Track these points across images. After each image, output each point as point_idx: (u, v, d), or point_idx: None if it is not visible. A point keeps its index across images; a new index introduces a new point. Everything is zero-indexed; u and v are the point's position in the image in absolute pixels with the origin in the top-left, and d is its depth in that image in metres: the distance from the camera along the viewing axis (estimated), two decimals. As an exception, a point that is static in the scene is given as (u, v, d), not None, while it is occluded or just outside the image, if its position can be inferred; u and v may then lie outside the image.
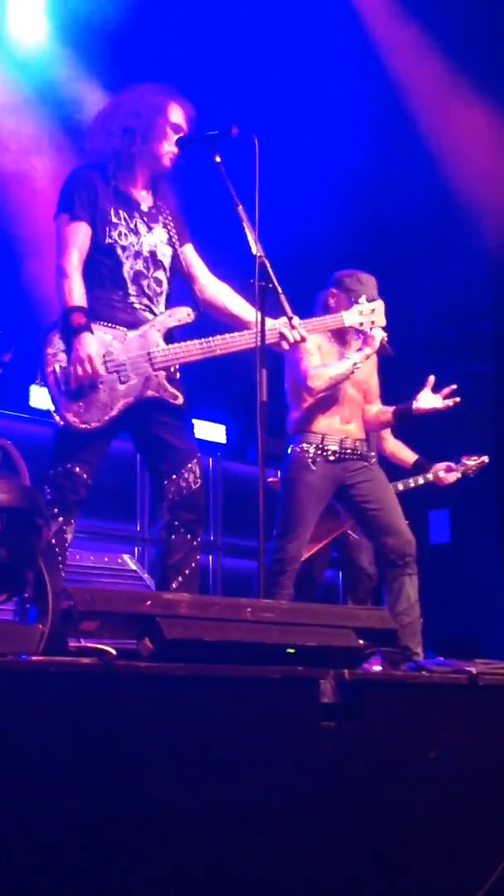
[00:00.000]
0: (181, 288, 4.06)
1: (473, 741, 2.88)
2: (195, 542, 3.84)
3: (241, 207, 3.73)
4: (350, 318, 4.29)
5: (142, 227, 3.93)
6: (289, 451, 4.75)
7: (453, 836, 2.78)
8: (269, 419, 3.57)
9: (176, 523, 3.81)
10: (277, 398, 4.53)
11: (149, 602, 2.63)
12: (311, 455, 4.67)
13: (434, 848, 2.74)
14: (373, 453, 4.90)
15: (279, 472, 4.90)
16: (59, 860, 2.10)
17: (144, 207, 3.98)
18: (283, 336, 3.87)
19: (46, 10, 6.26)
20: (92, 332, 3.71)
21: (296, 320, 3.88)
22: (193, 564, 3.82)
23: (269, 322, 3.73)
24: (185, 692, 2.36)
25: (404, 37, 6.71)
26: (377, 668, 3.71)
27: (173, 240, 3.99)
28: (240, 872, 2.37)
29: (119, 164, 3.92)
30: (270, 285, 3.69)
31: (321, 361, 4.67)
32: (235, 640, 2.64)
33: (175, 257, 4.00)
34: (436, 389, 4.85)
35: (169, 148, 3.94)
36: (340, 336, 4.75)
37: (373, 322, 4.33)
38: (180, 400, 3.83)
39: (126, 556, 4.59)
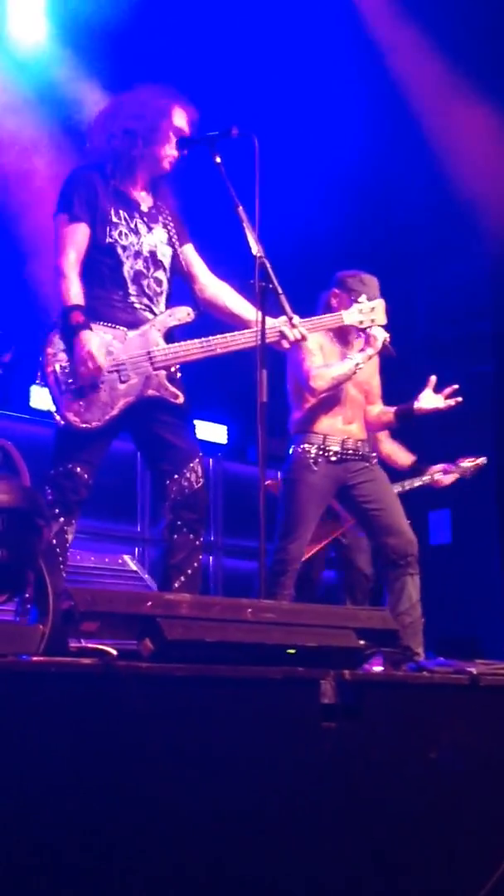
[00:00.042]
0: (181, 288, 4.06)
1: (474, 741, 2.88)
2: (197, 542, 3.84)
3: (241, 208, 3.73)
4: (350, 316, 4.28)
5: (142, 227, 3.93)
6: (290, 451, 4.75)
7: (454, 836, 2.78)
8: (269, 419, 3.57)
9: (178, 523, 3.81)
10: (279, 398, 4.53)
11: (149, 603, 2.63)
12: (312, 455, 4.67)
13: (434, 848, 2.74)
14: (374, 454, 4.90)
15: (279, 474, 4.90)
16: (59, 860, 2.10)
17: (144, 208, 3.98)
18: (283, 335, 3.87)
19: (46, 10, 6.26)
20: (91, 330, 3.72)
21: (296, 319, 3.88)
22: (196, 564, 3.82)
23: (269, 321, 3.73)
24: (185, 693, 2.36)
25: (404, 37, 6.71)
26: (378, 668, 3.71)
27: (173, 240, 3.99)
28: (240, 872, 2.37)
29: (119, 165, 3.92)
30: (271, 286, 3.69)
31: (323, 362, 4.67)
32: (236, 641, 2.64)
33: (175, 257, 4.00)
34: (436, 390, 4.85)
35: (170, 151, 3.94)
36: (343, 336, 4.75)
37: (373, 320, 4.31)
38: (181, 399, 3.83)
39: (126, 557, 4.59)
